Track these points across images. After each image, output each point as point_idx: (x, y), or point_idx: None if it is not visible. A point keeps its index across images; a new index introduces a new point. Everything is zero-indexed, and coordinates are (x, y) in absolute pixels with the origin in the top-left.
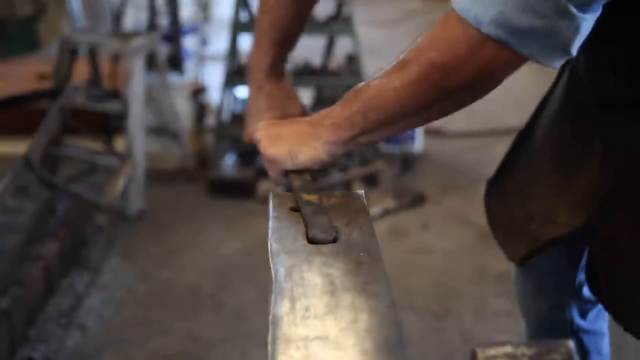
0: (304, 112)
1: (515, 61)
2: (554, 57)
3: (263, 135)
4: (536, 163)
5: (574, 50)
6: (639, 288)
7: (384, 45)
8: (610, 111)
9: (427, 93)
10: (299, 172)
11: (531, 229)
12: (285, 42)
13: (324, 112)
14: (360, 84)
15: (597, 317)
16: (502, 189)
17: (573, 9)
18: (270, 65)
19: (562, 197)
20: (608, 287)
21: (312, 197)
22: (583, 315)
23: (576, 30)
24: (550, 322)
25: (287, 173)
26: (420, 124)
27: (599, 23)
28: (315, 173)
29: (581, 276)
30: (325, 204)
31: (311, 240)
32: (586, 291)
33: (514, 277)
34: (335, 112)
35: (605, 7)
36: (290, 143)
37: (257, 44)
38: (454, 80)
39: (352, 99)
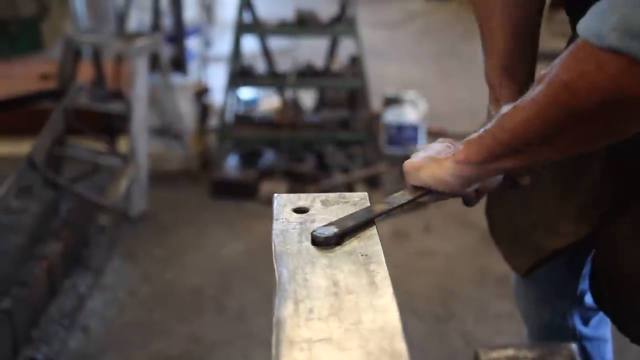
0: None
1: None
2: None
3: (419, 147)
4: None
5: None
6: None
7: (386, 47)
8: None
9: (556, 114)
10: (419, 188)
11: (535, 240)
12: (511, 69)
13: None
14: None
15: (599, 323)
16: (503, 199)
17: None
18: (493, 67)
19: (564, 207)
20: (612, 297)
21: (379, 208)
22: (585, 322)
23: None
24: (553, 330)
25: (412, 187)
26: (554, 156)
27: None
28: (438, 195)
29: (583, 284)
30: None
31: (313, 240)
32: (588, 299)
33: (515, 285)
34: (475, 132)
35: None
36: (424, 159)
37: (488, 76)
38: (583, 101)
39: (490, 121)
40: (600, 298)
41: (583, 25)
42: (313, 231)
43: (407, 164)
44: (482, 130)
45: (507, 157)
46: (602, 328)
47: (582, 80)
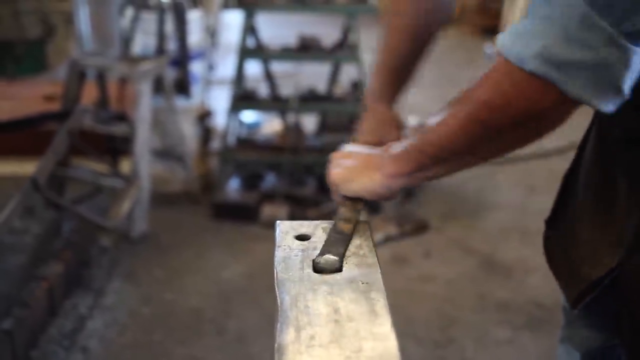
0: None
1: (563, 102)
2: (604, 96)
3: (334, 157)
4: (581, 204)
5: (627, 89)
6: None
7: None
8: (633, 148)
9: (477, 132)
10: (354, 199)
11: (581, 272)
12: (397, 71)
13: (393, 145)
14: (426, 121)
15: None
16: (557, 230)
17: (621, 40)
18: (377, 90)
19: (604, 238)
20: (631, 333)
21: (346, 227)
22: None
23: (627, 64)
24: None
25: (344, 197)
26: (477, 163)
27: None
28: (371, 203)
29: None
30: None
31: (315, 269)
32: None
33: (564, 308)
34: (399, 146)
35: None
36: (352, 170)
37: (374, 69)
38: (502, 120)
39: (415, 135)
40: (621, 330)
41: (505, 46)
42: (315, 258)
43: (336, 175)
44: (406, 144)
45: (434, 166)
46: None
47: (500, 101)
